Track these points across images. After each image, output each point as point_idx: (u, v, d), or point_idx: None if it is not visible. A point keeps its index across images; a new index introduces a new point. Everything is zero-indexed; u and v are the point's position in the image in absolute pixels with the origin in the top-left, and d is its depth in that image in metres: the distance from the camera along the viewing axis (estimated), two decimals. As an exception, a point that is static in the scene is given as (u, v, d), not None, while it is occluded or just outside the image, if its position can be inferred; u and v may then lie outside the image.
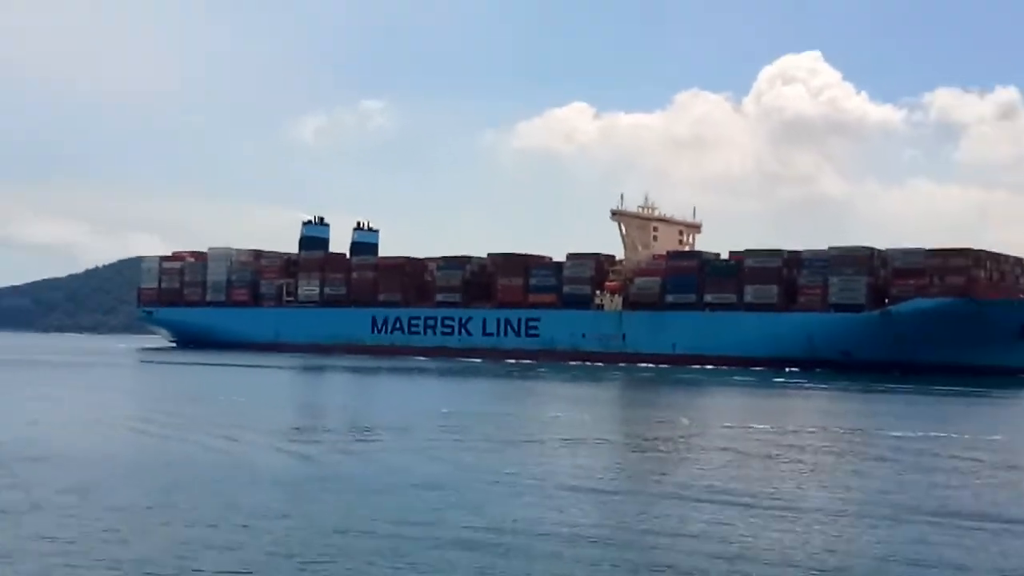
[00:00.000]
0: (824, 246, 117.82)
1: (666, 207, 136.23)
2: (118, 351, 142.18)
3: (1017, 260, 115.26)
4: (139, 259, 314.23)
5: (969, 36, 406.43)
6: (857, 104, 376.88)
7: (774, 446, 36.60)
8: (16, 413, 43.71)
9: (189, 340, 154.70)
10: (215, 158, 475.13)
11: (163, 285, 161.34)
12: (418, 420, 43.58)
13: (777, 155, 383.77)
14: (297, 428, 41.02)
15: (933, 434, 41.69)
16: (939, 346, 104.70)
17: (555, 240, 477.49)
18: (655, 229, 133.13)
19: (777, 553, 18.75)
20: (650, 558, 18.16)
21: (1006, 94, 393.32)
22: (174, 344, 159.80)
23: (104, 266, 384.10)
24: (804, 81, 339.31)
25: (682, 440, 39.07)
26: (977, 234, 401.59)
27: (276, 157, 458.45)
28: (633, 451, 36.25)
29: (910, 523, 22.09)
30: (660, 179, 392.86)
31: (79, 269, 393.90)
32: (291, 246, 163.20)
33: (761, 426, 43.87)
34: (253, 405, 52.44)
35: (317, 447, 34.18)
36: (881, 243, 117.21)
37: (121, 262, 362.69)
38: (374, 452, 32.75)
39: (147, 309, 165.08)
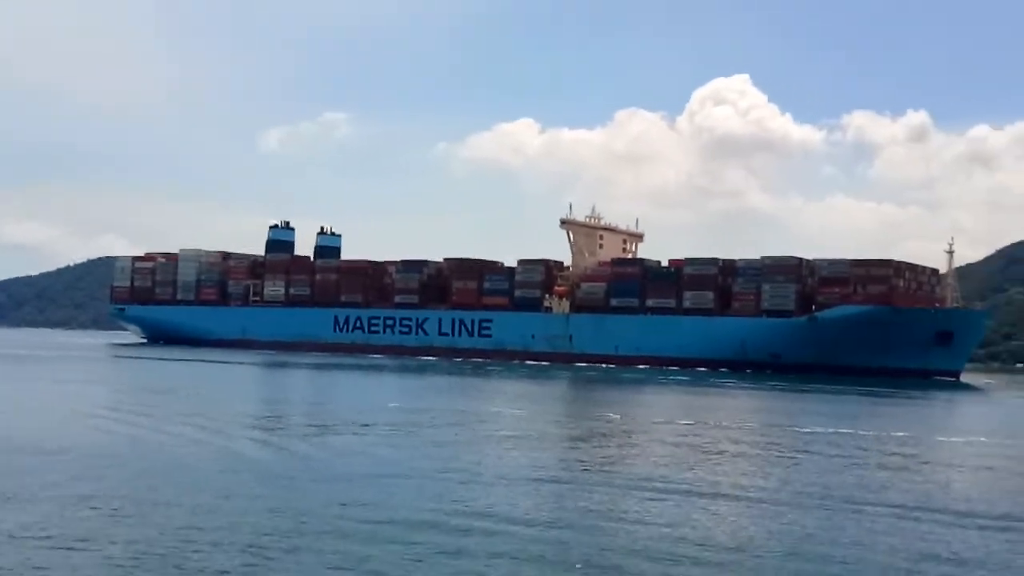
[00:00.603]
0: (750, 256, 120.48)
1: (610, 217, 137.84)
2: (91, 346, 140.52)
3: (933, 271, 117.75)
4: (108, 259, 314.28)
5: (884, 63, 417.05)
6: (781, 124, 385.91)
7: (693, 439, 37.46)
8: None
9: (159, 336, 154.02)
10: (184, 165, 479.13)
11: (135, 284, 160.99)
12: (368, 415, 43.91)
13: (708, 170, 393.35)
14: (256, 420, 41.13)
15: (843, 430, 42.81)
16: (861, 350, 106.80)
17: (504, 245, 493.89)
18: (601, 237, 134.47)
19: (680, 530, 19.47)
20: (572, 537, 18.77)
21: (917, 118, 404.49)
22: (144, 340, 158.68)
23: (75, 265, 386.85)
24: (733, 102, 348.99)
25: (610, 434, 39.81)
26: (890, 247, 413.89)
27: (243, 165, 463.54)
28: (561, 443, 36.82)
29: (806, 507, 22.94)
30: (601, 191, 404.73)
31: (51, 268, 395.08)
32: (258, 249, 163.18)
33: (685, 421, 44.79)
34: (218, 398, 52.40)
35: (272, 437, 34.39)
36: (802, 253, 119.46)
37: (91, 261, 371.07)
38: (324, 443, 33.10)
39: (119, 306, 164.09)
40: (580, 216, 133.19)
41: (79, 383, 61.39)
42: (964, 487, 27.92)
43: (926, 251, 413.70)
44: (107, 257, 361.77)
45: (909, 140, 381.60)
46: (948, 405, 72.17)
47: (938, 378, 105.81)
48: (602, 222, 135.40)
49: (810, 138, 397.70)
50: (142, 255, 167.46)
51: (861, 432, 42.29)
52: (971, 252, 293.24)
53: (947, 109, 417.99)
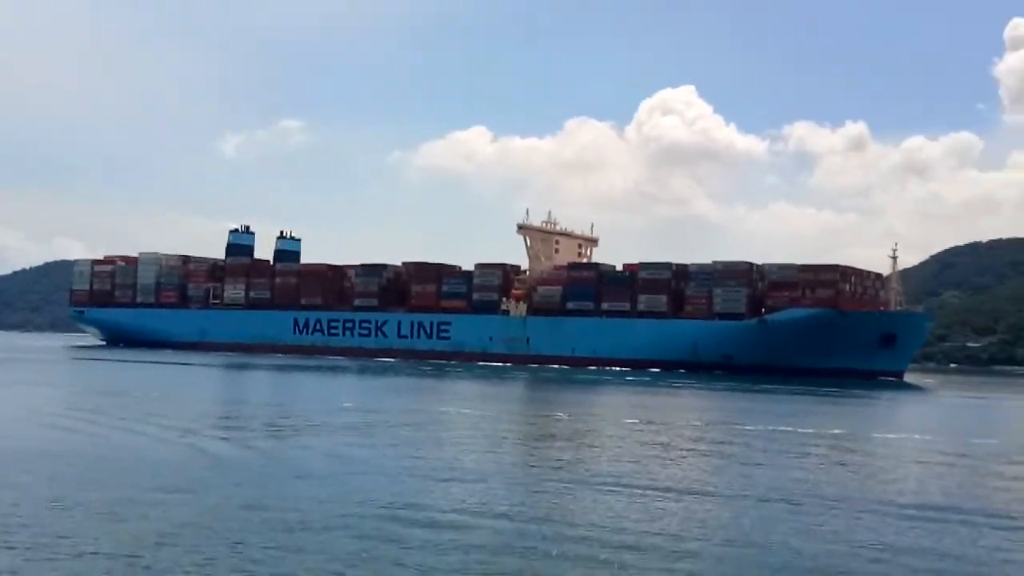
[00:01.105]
0: (695, 260, 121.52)
1: (563, 223, 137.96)
2: (49, 348, 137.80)
3: (877, 275, 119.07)
4: (65, 262, 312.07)
5: (824, 76, 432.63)
6: (726, 134, 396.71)
7: (637, 437, 37.18)
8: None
9: (119, 338, 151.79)
10: (140, 171, 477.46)
11: (94, 287, 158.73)
12: (322, 415, 43.23)
13: (655, 178, 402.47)
14: (205, 419, 40.19)
15: (782, 428, 42.80)
16: (809, 351, 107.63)
17: (457, 249, 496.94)
18: (557, 242, 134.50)
19: (615, 518, 19.11)
20: (510, 528, 18.32)
21: (855, 128, 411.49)
22: (104, 343, 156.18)
23: (31, 268, 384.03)
24: (680, 112, 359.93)
25: (558, 433, 39.43)
26: (829, 252, 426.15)
27: (200, 171, 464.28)
28: (507, 442, 36.33)
29: (739, 500, 22.70)
30: (551, 197, 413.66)
31: (7, 271, 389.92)
32: (215, 253, 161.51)
33: (631, 420, 44.53)
34: (176, 399, 51.25)
35: (227, 436, 33.58)
36: (745, 258, 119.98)
37: (47, 265, 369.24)
38: (279, 442, 32.42)
39: (78, 309, 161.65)
40: (536, 221, 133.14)
41: (38, 384, 59.92)
42: (895, 480, 27.84)
43: (863, 256, 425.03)
44: (63, 261, 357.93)
45: (847, 150, 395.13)
46: (889, 404, 72.68)
47: (882, 378, 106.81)
48: (558, 227, 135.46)
49: (753, 148, 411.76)
50: (101, 259, 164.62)
51: (800, 430, 42.28)
52: (907, 257, 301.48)
53: (884, 121, 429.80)
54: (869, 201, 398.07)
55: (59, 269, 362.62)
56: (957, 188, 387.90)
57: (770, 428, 42.57)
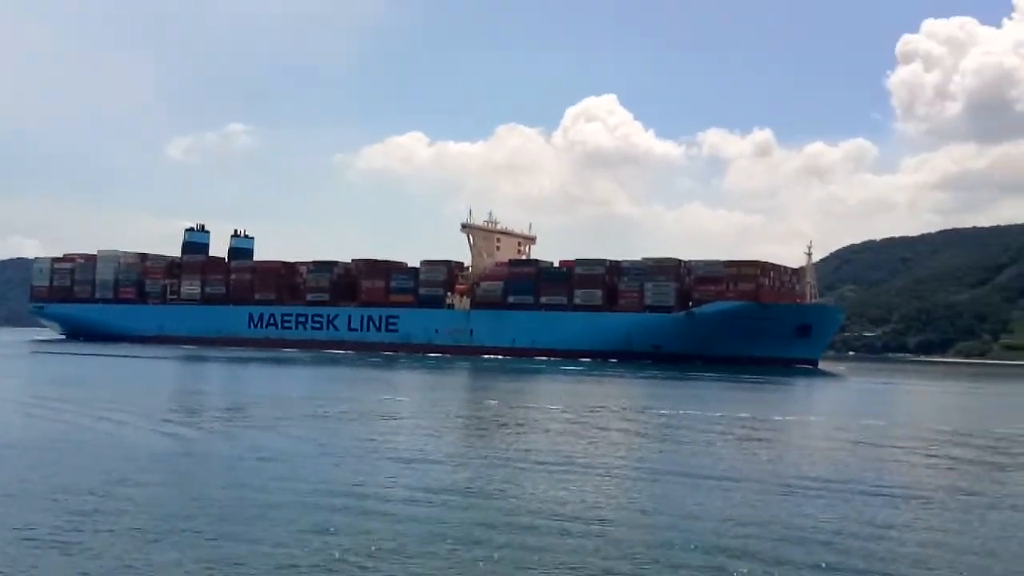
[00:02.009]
0: (616, 256, 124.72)
1: (504, 222, 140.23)
2: (9, 343, 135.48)
3: (794, 271, 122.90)
4: (19, 260, 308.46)
5: (734, 87, 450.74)
6: (645, 140, 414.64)
7: (556, 420, 38.82)
8: None
9: (78, 333, 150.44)
10: (91, 171, 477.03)
11: (54, 283, 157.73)
12: (267, 402, 44.09)
13: (580, 180, 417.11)
14: (167, 409, 40.83)
15: (692, 412, 44.72)
16: (733, 341, 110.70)
17: (396, 246, 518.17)
18: (498, 240, 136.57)
19: (532, 494, 20.60)
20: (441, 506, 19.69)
21: (762, 135, 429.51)
22: (63, 337, 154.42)
23: None
24: (603, 119, 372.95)
25: (486, 418, 40.90)
26: (738, 250, 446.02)
27: (150, 173, 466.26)
28: (436, 426, 37.58)
29: (643, 478, 24.30)
30: (483, 197, 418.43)
31: None
32: (165, 252, 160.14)
33: (554, 406, 46.16)
34: (133, 390, 51.58)
35: (180, 426, 34.35)
36: (663, 254, 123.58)
37: (2, 262, 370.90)
38: (228, 429, 33.28)
39: (39, 304, 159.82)
40: (479, 221, 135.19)
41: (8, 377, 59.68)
42: (789, 458, 29.67)
43: (770, 253, 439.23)
44: (18, 258, 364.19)
45: (755, 155, 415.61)
46: (804, 389, 75.38)
47: (799, 365, 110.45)
48: (499, 226, 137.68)
49: (670, 153, 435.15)
50: (60, 256, 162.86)
51: (708, 413, 44.23)
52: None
53: (788, 128, 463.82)
54: (775, 202, 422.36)
55: (13, 266, 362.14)
56: (854, 190, 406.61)
57: (680, 412, 44.48)
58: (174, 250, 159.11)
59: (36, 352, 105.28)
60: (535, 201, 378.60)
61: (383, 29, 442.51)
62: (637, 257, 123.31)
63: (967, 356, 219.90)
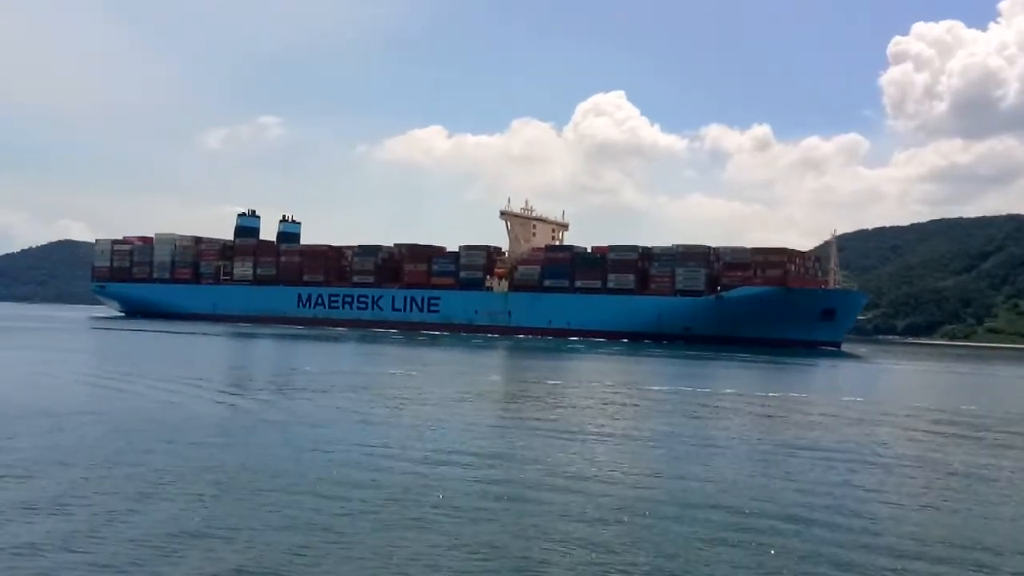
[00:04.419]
0: (619, 242, 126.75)
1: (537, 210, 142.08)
2: (74, 319, 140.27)
3: (816, 258, 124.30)
4: (68, 242, 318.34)
5: (735, 86, 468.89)
6: (651, 134, 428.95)
7: (580, 396, 40.93)
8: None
9: (137, 311, 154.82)
10: (132, 160, 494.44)
11: (114, 264, 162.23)
12: (316, 378, 46.57)
13: (589, 171, 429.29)
14: (225, 381, 43.57)
15: (696, 389, 46.51)
16: (759, 324, 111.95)
17: (420, 232, 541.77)
18: (534, 227, 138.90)
19: (558, 459, 22.77)
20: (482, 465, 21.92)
21: (761, 131, 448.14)
22: (123, 314, 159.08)
23: (37, 247, 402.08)
24: (611, 114, 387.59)
25: (531, 393, 43.10)
26: (736, 237, 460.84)
27: (187, 162, 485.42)
28: (484, 398, 39.80)
29: (663, 445, 26.38)
30: (499, 187, 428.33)
31: (15, 249, 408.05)
32: (189, 231, 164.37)
33: (607, 383, 48.10)
34: (202, 362, 54.47)
35: (237, 397, 36.98)
36: (665, 242, 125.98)
37: (50, 244, 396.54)
38: (287, 401, 35.81)
39: (100, 284, 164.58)
40: (516, 208, 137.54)
41: (84, 352, 62.92)
42: (815, 432, 31.55)
43: (766, 240, 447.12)
44: (67, 240, 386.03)
45: (754, 149, 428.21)
46: (820, 369, 76.55)
47: (822, 347, 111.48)
48: (534, 214, 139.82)
49: (674, 146, 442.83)
50: (120, 238, 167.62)
51: (726, 391, 46.03)
52: (803, 241, 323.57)
53: (785, 124, 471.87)
54: (772, 193, 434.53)
55: (63, 248, 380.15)
56: (847, 182, 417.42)
57: (690, 389, 46.32)
58: (213, 233, 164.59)
59: (107, 329, 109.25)
60: (546, 190, 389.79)
61: (405, 32, 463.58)
62: (640, 243, 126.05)
63: (952, 339, 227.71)
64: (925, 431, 31.81)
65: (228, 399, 33.94)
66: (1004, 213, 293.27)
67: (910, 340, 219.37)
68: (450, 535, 15.01)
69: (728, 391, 45.30)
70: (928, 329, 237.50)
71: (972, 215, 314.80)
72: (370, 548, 14.17)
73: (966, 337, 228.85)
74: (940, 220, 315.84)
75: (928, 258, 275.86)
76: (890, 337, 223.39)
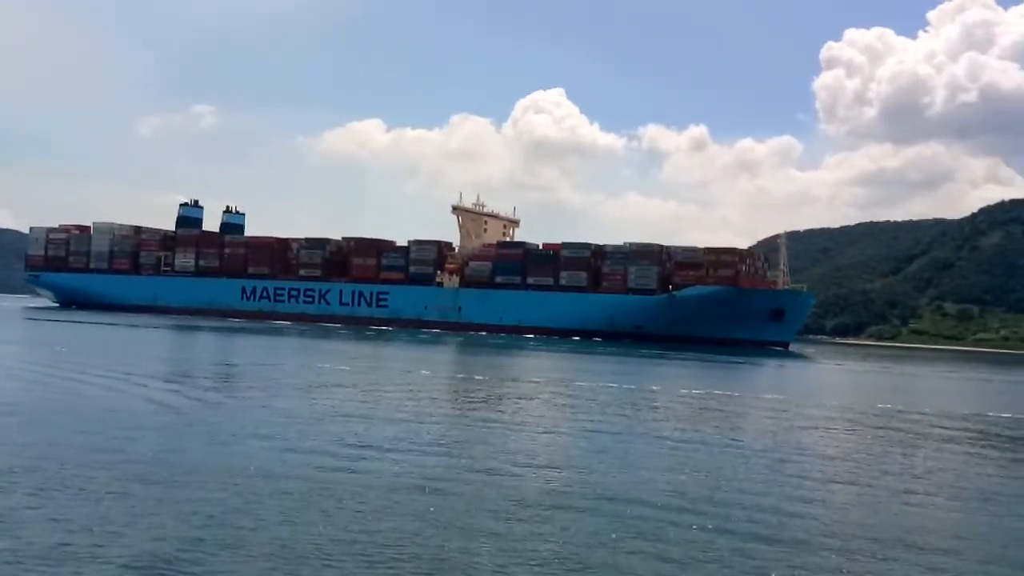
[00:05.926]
0: (556, 240, 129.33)
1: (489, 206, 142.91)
2: (7, 309, 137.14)
3: (765, 258, 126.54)
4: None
5: (673, 86, 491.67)
6: (590, 132, 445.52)
7: (516, 392, 41.24)
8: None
9: (72, 301, 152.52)
10: (62, 147, 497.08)
11: (49, 253, 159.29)
12: (248, 371, 46.25)
13: (527, 168, 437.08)
14: (154, 374, 43.02)
15: (636, 386, 47.13)
16: (710, 323, 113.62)
17: (356, 226, 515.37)
18: (485, 222, 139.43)
19: (499, 448, 23.02)
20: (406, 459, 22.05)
21: (697, 131, 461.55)
22: (57, 305, 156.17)
23: None
24: (550, 112, 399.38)
25: (472, 389, 43.30)
26: (672, 236, 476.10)
27: (119, 150, 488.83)
28: (432, 393, 39.88)
29: (586, 440, 26.77)
30: (438, 182, 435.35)
31: None
32: (122, 220, 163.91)
33: (536, 380, 48.49)
34: (137, 354, 53.69)
35: (160, 391, 36.64)
36: (601, 240, 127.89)
37: None
38: (211, 394, 35.56)
39: (34, 273, 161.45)
40: (467, 204, 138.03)
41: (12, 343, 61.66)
42: (744, 427, 32.21)
43: (700, 240, 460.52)
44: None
45: (691, 149, 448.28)
46: (762, 368, 77.85)
47: (771, 347, 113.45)
48: (486, 209, 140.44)
49: (613, 145, 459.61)
50: (56, 227, 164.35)
51: (689, 391, 46.71)
52: (737, 241, 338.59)
53: (720, 125, 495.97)
54: (707, 193, 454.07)
55: None
56: (779, 184, 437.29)
57: (632, 387, 46.90)
58: (153, 223, 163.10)
59: (32, 319, 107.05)
60: (484, 186, 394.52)
61: (344, 22, 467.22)
62: (577, 240, 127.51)
63: (879, 339, 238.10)
64: (847, 428, 32.72)
65: (151, 393, 33.60)
66: (930, 217, 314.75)
67: (838, 340, 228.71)
68: (353, 529, 15.14)
69: (654, 388, 45.96)
70: (856, 329, 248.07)
71: (899, 219, 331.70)
72: (270, 540, 14.25)
73: (892, 337, 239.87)
74: (869, 223, 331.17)
75: (856, 260, 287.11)
76: (819, 337, 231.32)
